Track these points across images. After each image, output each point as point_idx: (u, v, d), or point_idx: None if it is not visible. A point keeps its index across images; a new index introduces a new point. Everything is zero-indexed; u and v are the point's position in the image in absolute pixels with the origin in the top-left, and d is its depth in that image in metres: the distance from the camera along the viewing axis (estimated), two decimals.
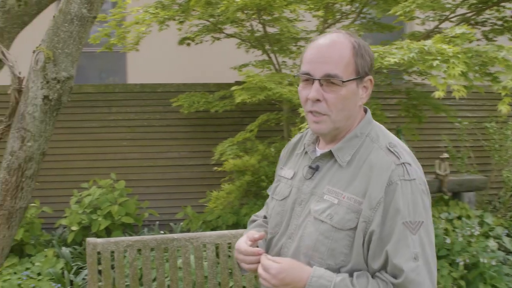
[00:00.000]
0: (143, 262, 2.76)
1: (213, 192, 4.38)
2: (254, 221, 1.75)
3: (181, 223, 5.14)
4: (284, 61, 5.08)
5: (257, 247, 1.51)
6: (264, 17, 4.61)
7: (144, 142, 5.66)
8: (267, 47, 4.84)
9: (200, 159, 5.62)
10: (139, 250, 2.83)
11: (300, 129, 2.97)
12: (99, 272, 2.86)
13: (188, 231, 4.88)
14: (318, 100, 1.38)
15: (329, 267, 1.35)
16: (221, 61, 5.63)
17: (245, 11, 4.48)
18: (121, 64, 7.54)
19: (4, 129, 2.69)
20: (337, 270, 1.35)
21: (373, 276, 1.33)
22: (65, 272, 3.99)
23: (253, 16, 4.67)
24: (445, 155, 5.24)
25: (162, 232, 5.08)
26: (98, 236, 4.37)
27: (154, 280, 3.10)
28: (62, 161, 5.50)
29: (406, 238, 1.29)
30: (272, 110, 4.84)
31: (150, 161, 5.67)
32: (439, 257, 3.95)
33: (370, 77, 1.43)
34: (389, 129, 1.51)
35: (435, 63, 2.67)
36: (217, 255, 3.22)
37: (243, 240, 1.52)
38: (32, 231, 4.32)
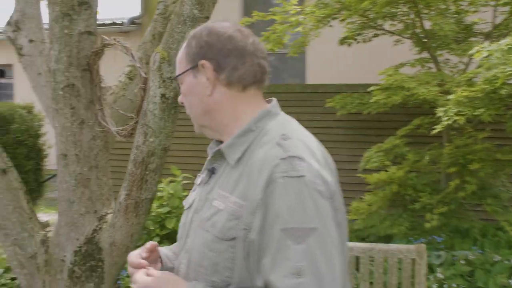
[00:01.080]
0: None
1: (353, 203, 4.10)
2: None
3: None
4: (447, 59, 4.51)
5: (161, 260, 1.35)
6: (423, 10, 4.16)
7: None
8: (426, 43, 4.36)
9: (354, 164, 5.36)
10: None
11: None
12: None
13: None
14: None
15: (214, 285, 1.16)
16: (382, 60, 5.28)
17: (400, 5, 4.11)
18: (300, 66, 7.70)
19: (133, 125, 2.93)
20: None
21: None
22: None
23: (413, 9, 4.25)
24: None
25: None
26: None
27: None
28: None
29: (286, 248, 1.06)
30: (427, 114, 4.31)
31: None
32: None
33: (202, 61, 1.23)
34: None
35: None
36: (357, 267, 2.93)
37: (137, 252, 1.34)
38: None
